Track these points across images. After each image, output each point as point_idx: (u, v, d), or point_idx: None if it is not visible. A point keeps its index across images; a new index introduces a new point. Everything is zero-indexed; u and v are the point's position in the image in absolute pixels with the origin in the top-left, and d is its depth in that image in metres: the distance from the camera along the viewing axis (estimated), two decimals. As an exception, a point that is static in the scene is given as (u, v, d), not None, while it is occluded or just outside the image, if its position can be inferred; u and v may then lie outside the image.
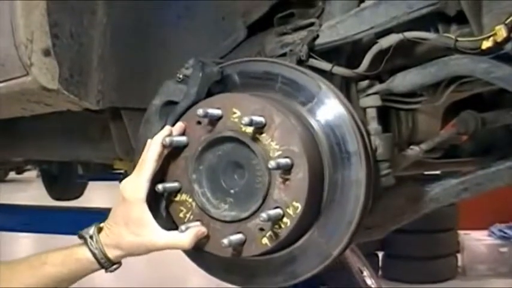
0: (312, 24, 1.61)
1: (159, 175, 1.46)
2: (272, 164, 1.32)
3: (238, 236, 1.41)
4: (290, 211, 1.37)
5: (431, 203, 1.69)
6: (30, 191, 11.64)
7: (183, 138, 1.47)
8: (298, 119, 1.43)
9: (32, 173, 13.82)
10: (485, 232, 6.70)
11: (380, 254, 6.38)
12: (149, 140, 1.47)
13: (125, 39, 1.82)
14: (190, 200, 1.48)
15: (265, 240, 1.40)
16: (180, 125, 1.48)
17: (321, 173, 1.42)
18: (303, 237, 1.45)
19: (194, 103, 1.49)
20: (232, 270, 1.56)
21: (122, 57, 1.82)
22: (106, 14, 1.78)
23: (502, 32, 1.35)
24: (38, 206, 4.03)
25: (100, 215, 1.52)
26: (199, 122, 1.45)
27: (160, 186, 1.45)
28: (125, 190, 1.43)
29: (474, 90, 1.81)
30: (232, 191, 1.46)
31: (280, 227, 1.38)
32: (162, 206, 1.51)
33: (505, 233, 6.58)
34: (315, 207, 1.43)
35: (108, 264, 1.45)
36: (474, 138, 2.12)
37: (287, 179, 1.36)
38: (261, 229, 1.39)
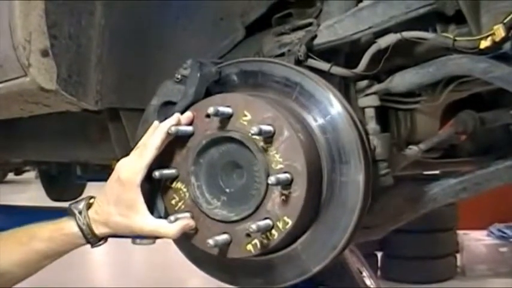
0: (310, 24, 1.61)
1: (158, 159, 1.46)
2: (272, 179, 1.32)
3: (224, 237, 1.42)
4: (280, 225, 1.38)
5: (430, 202, 1.69)
6: (29, 192, 11.64)
7: (189, 128, 1.47)
8: (302, 125, 1.43)
9: (30, 174, 13.81)
10: (485, 232, 6.70)
11: (379, 254, 6.38)
12: (156, 122, 1.48)
13: (123, 40, 1.82)
14: (184, 190, 1.48)
15: (249, 247, 1.42)
16: (188, 115, 1.48)
17: (319, 181, 1.42)
18: (287, 248, 1.46)
19: (192, 103, 1.50)
20: (216, 265, 1.58)
21: (120, 58, 1.82)
22: (104, 14, 1.78)
23: (500, 32, 1.36)
24: (37, 207, 4.03)
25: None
26: (208, 116, 1.44)
27: (157, 173, 1.45)
28: (121, 170, 1.44)
29: (473, 90, 1.81)
30: (227, 190, 1.46)
31: (267, 237, 1.39)
32: (155, 191, 1.52)
33: (504, 233, 6.58)
34: (307, 220, 1.43)
35: (94, 240, 1.47)
36: (473, 138, 2.11)
37: (284, 194, 1.37)
38: (248, 235, 1.40)
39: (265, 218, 1.38)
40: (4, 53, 1.67)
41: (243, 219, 1.41)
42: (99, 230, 1.46)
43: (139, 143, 1.47)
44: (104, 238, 1.49)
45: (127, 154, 1.48)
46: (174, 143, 1.48)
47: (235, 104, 1.42)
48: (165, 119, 1.47)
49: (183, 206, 1.49)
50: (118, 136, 2.00)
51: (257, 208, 1.39)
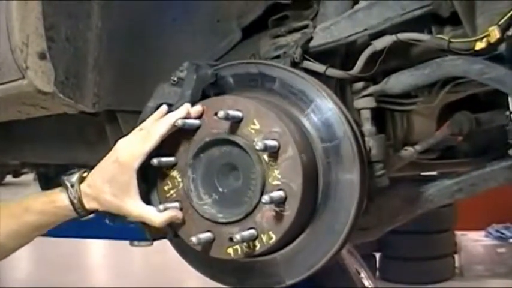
0: (306, 26, 1.61)
1: (158, 146, 1.46)
2: (266, 198, 1.33)
3: (208, 235, 1.43)
4: (264, 238, 1.39)
5: (426, 203, 1.69)
6: (26, 195, 11.61)
7: (197, 122, 1.47)
8: (296, 125, 1.43)
9: (28, 177, 13.76)
10: (483, 233, 6.70)
11: (377, 255, 6.38)
12: (164, 107, 1.49)
13: (120, 42, 1.82)
14: (179, 179, 1.49)
15: (230, 251, 1.43)
16: (198, 109, 1.48)
17: (312, 199, 1.43)
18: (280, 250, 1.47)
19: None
20: (199, 260, 1.59)
21: (117, 60, 1.82)
22: (101, 17, 1.78)
23: (495, 33, 1.36)
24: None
25: (95, 217, 1.53)
26: (216, 114, 1.43)
27: (156, 161, 1.45)
28: (120, 152, 1.46)
29: (469, 91, 1.81)
30: (221, 190, 1.47)
31: (249, 246, 1.41)
32: (150, 178, 1.52)
33: (502, 233, 6.58)
34: (295, 232, 1.44)
35: (83, 213, 1.49)
36: (469, 139, 2.12)
37: (275, 210, 1.37)
38: (231, 239, 1.41)
39: (251, 228, 1.40)
40: (1, 55, 1.67)
41: (229, 223, 1.42)
42: (89, 204, 1.48)
43: (143, 125, 1.48)
44: (92, 211, 1.50)
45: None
46: (178, 132, 1.48)
47: (247, 109, 1.41)
48: None
49: (174, 195, 1.50)
50: (115, 138, 2.00)
51: (246, 216, 1.40)
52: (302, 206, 1.37)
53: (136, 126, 1.57)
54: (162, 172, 1.51)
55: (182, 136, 1.48)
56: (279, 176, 1.37)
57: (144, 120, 1.52)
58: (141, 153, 1.43)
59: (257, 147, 1.34)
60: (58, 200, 1.49)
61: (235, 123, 1.42)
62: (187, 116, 1.46)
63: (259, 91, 1.51)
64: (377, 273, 6.26)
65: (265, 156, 1.38)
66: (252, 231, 1.39)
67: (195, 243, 1.42)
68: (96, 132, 2.32)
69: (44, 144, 2.63)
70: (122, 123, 1.90)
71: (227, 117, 1.39)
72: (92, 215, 1.51)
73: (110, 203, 1.45)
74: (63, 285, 5.69)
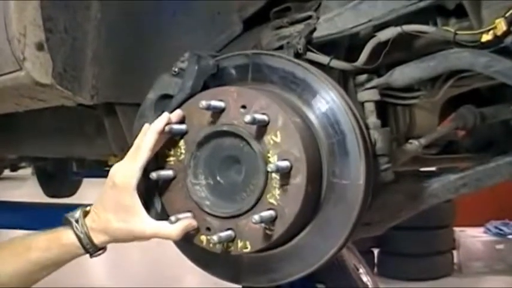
0: (309, 17, 1.59)
1: (153, 162, 1.45)
2: (256, 218, 1.32)
3: (187, 215, 1.43)
4: (239, 244, 1.40)
5: (430, 198, 1.68)
6: (24, 189, 11.63)
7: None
8: (299, 115, 1.41)
9: (26, 171, 13.81)
10: (481, 229, 6.69)
11: (376, 251, 6.38)
12: (146, 125, 1.45)
13: (119, 34, 1.81)
14: (183, 151, 1.46)
15: (203, 239, 1.43)
16: (178, 112, 1.45)
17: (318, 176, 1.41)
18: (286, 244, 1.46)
19: (190, 97, 1.48)
20: (200, 255, 1.57)
21: (116, 52, 1.81)
22: (100, 8, 1.77)
23: (501, 26, 1.34)
24: (33, 204, 4.03)
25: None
26: (244, 107, 1.40)
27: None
28: (116, 176, 1.42)
29: (472, 85, 1.80)
30: (218, 178, 1.45)
31: (222, 245, 1.41)
32: (151, 192, 1.50)
33: (501, 230, 6.58)
34: (296, 231, 1.43)
35: (93, 249, 1.44)
36: (472, 134, 2.11)
37: (262, 227, 1.36)
38: (208, 229, 1.42)
39: (231, 229, 1.39)
40: (-1, 46, 1.66)
41: (212, 215, 1.42)
42: (98, 238, 1.43)
43: (133, 146, 1.45)
44: (102, 248, 1.46)
45: (121, 158, 1.46)
46: (169, 142, 1.46)
47: (274, 117, 1.37)
48: (162, 112, 1.45)
49: (172, 163, 1.47)
50: (114, 131, 1.99)
51: (230, 217, 1.39)
52: (287, 231, 1.36)
53: (136, 119, 1.55)
54: (172, 139, 1.47)
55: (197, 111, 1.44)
56: (278, 197, 1.35)
57: (143, 113, 1.50)
58: (135, 171, 1.40)
59: (245, 120, 1.32)
60: (63, 236, 1.44)
61: (219, 113, 1.41)
62: (170, 122, 1.43)
63: (262, 82, 1.49)
64: (375, 269, 6.26)
65: (258, 133, 1.36)
66: (231, 232, 1.39)
67: (173, 221, 1.40)
68: (94, 126, 2.32)
69: (42, 137, 2.63)
70: (121, 116, 1.89)
71: (253, 122, 1.34)
72: (101, 251, 1.47)
73: (120, 230, 1.41)
74: (58, 281, 5.68)
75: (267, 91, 1.44)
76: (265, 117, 1.34)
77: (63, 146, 2.64)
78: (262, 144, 1.36)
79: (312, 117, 1.43)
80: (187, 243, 1.47)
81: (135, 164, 1.40)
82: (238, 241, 1.39)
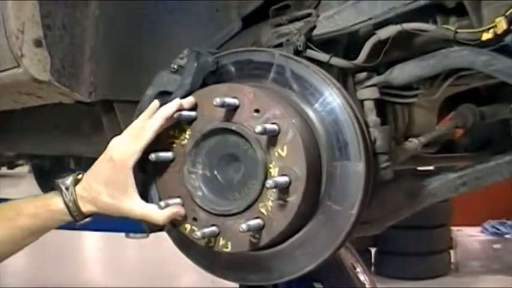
0: (309, 15, 1.59)
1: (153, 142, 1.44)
2: (243, 227, 1.32)
3: (176, 201, 1.43)
4: (221, 242, 1.41)
5: (429, 197, 1.67)
6: (21, 186, 11.61)
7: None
8: (303, 119, 1.40)
9: (23, 168, 13.77)
10: (478, 228, 6.71)
11: (373, 250, 6.39)
12: (155, 102, 1.45)
13: (117, 31, 1.80)
14: (187, 137, 1.45)
15: (187, 227, 1.44)
16: (190, 100, 1.44)
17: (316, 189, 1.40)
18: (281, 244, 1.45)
19: (188, 94, 1.47)
20: (198, 253, 1.56)
21: (114, 49, 1.80)
22: (99, 5, 1.76)
23: (502, 24, 1.34)
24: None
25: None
26: (257, 111, 1.39)
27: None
28: (114, 151, 1.42)
29: (471, 84, 1.80)
30: (215, 172, 1.45)
31: (206, 240, 1.41)
32: (148, 175, 1.51)
33: (498, 229, 6.60)
34: (293, 231, 1.42)
35: (80, 217, 1.45)
36: (471, 133, 2.11)
37: (249, 235, 1.37)
38: (195, 219, 1.43)
39: (215, 226, 1.40)
40: (-4, 43, 1.65)
41: (202, 208, 1.42)
42: (85, 207, 1.44)
43: (136, 123, 1.45)
44: (90, 215, 1.47)
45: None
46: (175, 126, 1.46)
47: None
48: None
49: (174, 145, 1.46)
50: (111, 128, 1.98)
51: (220, 215, 1.40)
52: (271, 241, 1.37)
53: (134, 116, 1.55)
54: (179, 124, 1.46)
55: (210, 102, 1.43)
56: (269, 209, 1.35)
57: (142, 110, 1.49)
58: (135, 151, 1.40)
59: (256, 130, 1.32)
60: (52, 203, 1.45)
61: (233, 111, 1.39)
62: (181, 108, 1.42)
63: (262, 79, 1.48)
64: (372, 268, 6.26)
65: (266, 142, 1.35)
66: (215, 229, 1.39)
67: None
68: (92, 123, 2.31)
69: (40, 135, 2.61)
70: (119, 113, 1.88)
71: (264, 132, 1.33)
72: (88, 219, 1.48)
73: (108, 205, 1.42)
74: (57, 279, 5.69)
75: (284, 97, 1.43)
76: (275, 127, 1.34)
77: (60, 143, 2.63)
78: (267, 153, 1.36)
79: (311, 114, 1.42)
80: (172, 227, 1.48)
81: (136, 144, 1.40)
82: (221, 239, 1.39)
